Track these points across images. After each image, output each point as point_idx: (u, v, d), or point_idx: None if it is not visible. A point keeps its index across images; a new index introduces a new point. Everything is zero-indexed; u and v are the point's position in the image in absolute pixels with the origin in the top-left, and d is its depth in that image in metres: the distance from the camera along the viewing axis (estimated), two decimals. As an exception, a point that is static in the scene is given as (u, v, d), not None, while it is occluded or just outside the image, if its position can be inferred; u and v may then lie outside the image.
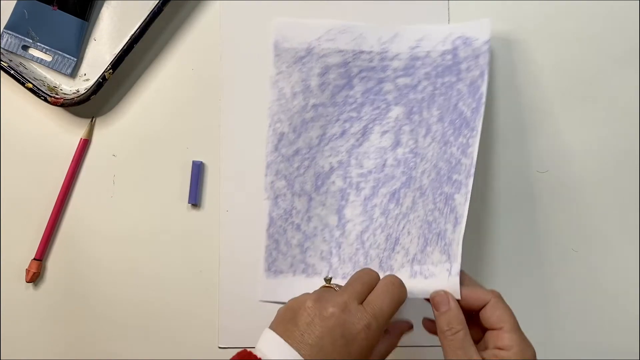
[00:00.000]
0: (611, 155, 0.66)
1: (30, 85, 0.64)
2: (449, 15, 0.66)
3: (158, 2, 0.64)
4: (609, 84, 0.66)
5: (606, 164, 0.66)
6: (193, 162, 0.66)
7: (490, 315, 0.48)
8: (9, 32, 0.66)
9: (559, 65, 0.66)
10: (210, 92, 0.66)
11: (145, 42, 0.65)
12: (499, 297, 0.49)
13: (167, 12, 0.65)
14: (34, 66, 0.68)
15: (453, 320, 0.47)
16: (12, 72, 0.64)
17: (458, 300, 0.49)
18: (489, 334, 0.48)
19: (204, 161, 0.66)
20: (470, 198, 0.64)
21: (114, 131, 0.67)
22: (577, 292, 0.65)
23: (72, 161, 0.66)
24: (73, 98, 0.65)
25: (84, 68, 0.67)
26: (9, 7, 0.66)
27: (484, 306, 0.48)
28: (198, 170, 0.66)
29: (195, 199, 0.65)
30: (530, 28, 0.67)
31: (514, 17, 0.67)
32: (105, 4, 0.67)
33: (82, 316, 0.66)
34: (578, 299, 0.65)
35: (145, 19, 0.64)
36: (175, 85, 0.67)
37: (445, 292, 0.49)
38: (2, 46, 0.66)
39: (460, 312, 0.48)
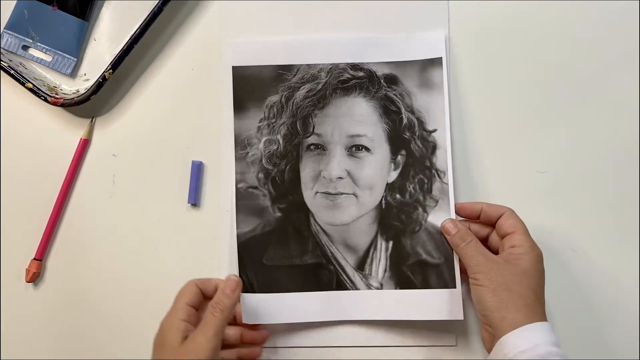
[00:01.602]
0: (611, 155, 0.66)
1: (30, 85, 0.64)
2: (449, 15, 0.67)
3: (158, 2, 0.64)
4: (610, 84, 0.66)
5: (606, 164, 0.66)
6: (193, 162, 0.66)
7: (504, 223, 0.59)
8: (9, 32, 0.66)
9: (560, 65, 0.66)
10: (210, 92, 0.66)
11: (145, 42, 0.65)
12: (512, 210, 0.60)
13: (167, 12, 0.65)
14: (34, 66, 0.68)
15: (464, 235, 0.60)
16: (12, 72, 0.64)
17: (479, 216, 0.61)
18: (505, 240, 0.59)
19: (203, 161, 0.66)
20: (470, 199, 0.65)
21: (114, 131, 0.67)
22: (577, 292, 0.65)
23: (72, 161, 0.66)
24: (73, 98, 0.65)
25: (83, 68, 0.67)
26: (9, 7, 0.66)
27: (500, 217, 0.60)
28: (198, 170, 0.66)
29: (194, 199, 0.65)
30: (530, 28, 0.67)
31: (514, 18, 0.67)
32: (105, 4, 0.67)
33: (82, 316, 0.66)
34: (578, 299, 0.64)
35: (145, 19, 0.64)
36: (175, 85, 0.67)
37: (452, 220, 0.62)
38: (2, 46, 0.66)
39: (467, 229, 0.60)
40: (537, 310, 0.55)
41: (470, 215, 0.62)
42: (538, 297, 0.56)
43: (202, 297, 0.59)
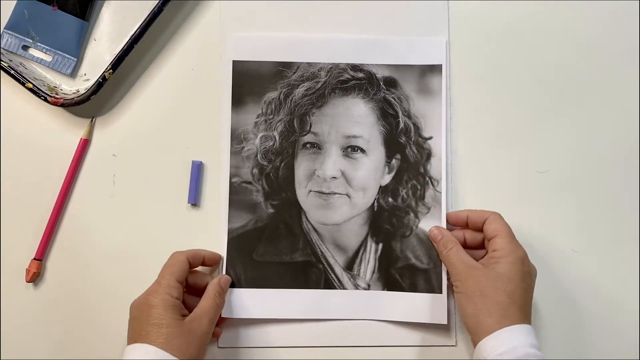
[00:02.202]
0: (611, 155, 0.66)
1: (30, 85, 0.64)
2: (448, 15, 0.67)
3: (158, 2, 0.64)
4: (609, 84, 0.66)
5: (606, 164, 0.66)
6: (193, 162, 0.66)
7: (488, 228, 0.60)
8: (9, 32, 0.66)
9: (560, 65, 0.66)
10: (210, 92, 0.66)
11: (145, 42, 0.65)
12: (496, 214, 0.61)
13: (167, 12, 0.65)
14: (34, 66, 0.68)
15: (448, 242, 0.61)
16: (12, 72, 0.64)
17: (466, 222, 0.63)
18: (489, 244, 0.59)
19: (203, 161, 0.66)
20: (470, 198, 0.64)
21: (114, 131, 0.67)
22: (577, 292, 0.65)
23: (72, 161, 0.66)
24: (73, 98, 0.65)
25: (84, 68, 0.68)
26: (9, 7, 0.66)
27: (484, 222, 0.60)
28: (198, 170, 0.66)
29: (194, 199, 0.65)
30: (531, 28, 0.67)
31: (514, 18, 0.67)
32: (105, 4, 0.67)
33: (82, 316, 0.66)
34: (578, 299, 0.65)
35: (145, 19, 0.64)
36: (175, 85, 0.67)
37: (438, 227, 0.63)
38: (2, 46, 0.66)
39: (451, 236, 0.61)
40: (512, 314, 0.55)
41: (457, 224, 0.64)
42: (514, 301, 0.55)
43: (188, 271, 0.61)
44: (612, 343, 0.64)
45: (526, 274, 0.57)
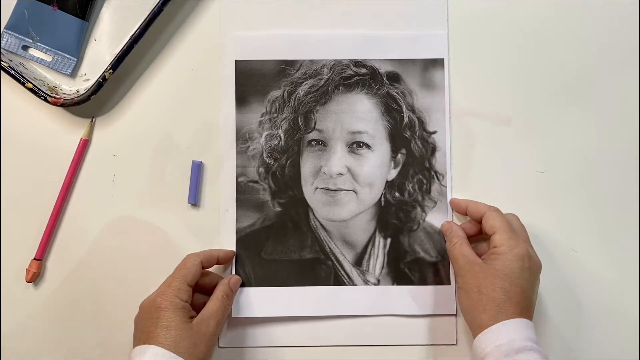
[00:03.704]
0: (611, 155, 0.66)
1: (30, 85, 0.64)
2: (448, 15, 0.67)
3: (158, 2, 0.64)
4: (609, 84, 0.66)
5: (606, 164, 0.66)
6: (193, 162, 0.66)
7: (486, 225, 0.61)
8: (9, 32, 0.66)
9: (560, 65, 0.66)
10: (210, 92, 0.66)
11: (145, 42, 0.65)
12: (493, 210, 0.61)
13: (167, 12, 0.65)
14: (34, 66, 0.68)
15: (453, 237, 0.61)
16: (12, 72, 0.64)
17: (465, 213, 0.64)
18: (490, 240, 0.60)
19: (203, 161, 0.66)
20: (474, 193, 0.66)
21: (114, 131, 0.67)
22: (576, 292, 0.65)
23: (72, 161, 0.66)
24: (73, 98, 0.65)
25: (84, 68, 0.68)
26: (9, 7, 0.66)
27: (482, 217, 0.61)
28: (198, 170, 0.66)
29: (194, 199, 0.65)
30: (531, 29, 0.67)
31: (514, 18, 0.67)
32: (105, 4, 0.67)
33: (82, 316, 0.66)
34: (578, 299, 0.65)
35: (145, 19, 0.64)
36: (175, 85, 0.67)
37: (449, 222, 0.64)
38: (2, 46, 0.66)
39: (460, 230, 0.62)
40: (507, 311, 0.55)
41: (459, 211, 0.65)
42: (510, 297, 0.56)
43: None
44: (612, 343, 0.64)
45: (525, 270, 0.57)
